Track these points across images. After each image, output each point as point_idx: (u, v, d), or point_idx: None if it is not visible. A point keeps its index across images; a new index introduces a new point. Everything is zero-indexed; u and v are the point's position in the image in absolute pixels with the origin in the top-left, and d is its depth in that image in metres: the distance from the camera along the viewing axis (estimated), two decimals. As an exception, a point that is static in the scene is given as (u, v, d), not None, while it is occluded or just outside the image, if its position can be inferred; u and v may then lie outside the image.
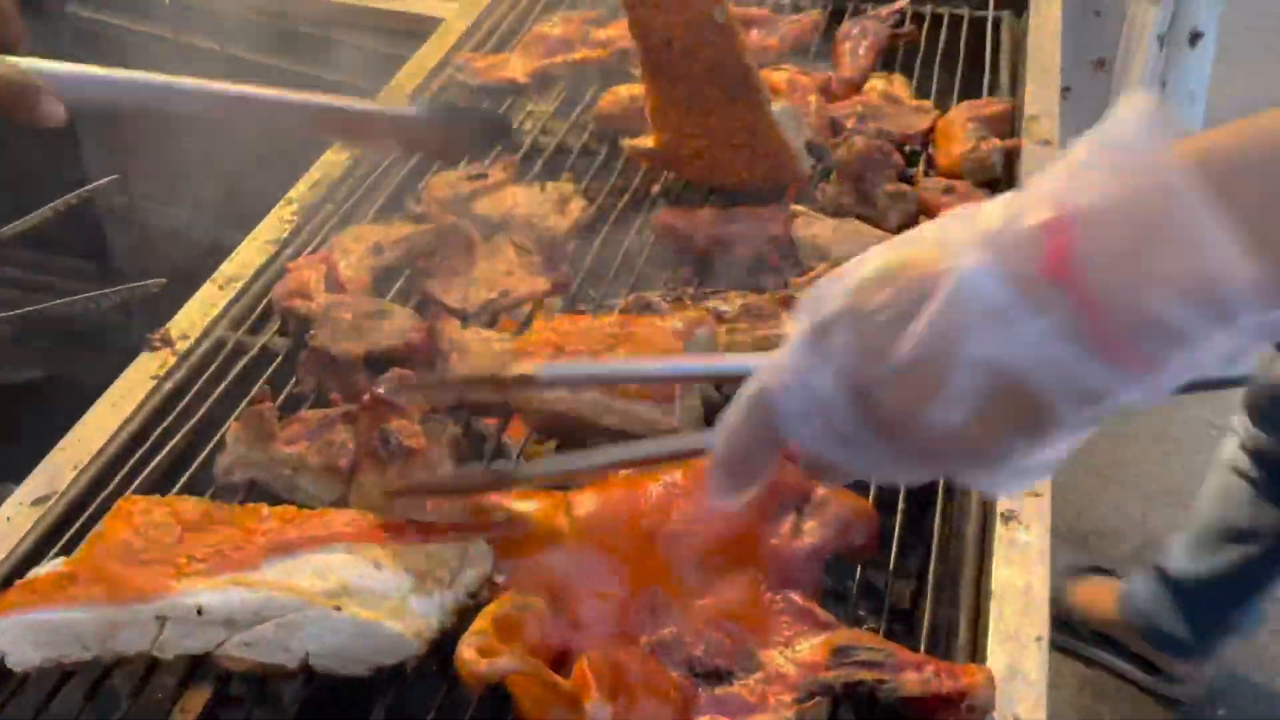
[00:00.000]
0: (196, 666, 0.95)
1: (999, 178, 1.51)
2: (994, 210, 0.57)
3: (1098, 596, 2.36)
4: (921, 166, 1.55)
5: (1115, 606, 2.32)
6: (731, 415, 0.66)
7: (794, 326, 0.62)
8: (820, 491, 1.00)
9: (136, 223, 2.08)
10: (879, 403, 0.58)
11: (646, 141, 1.52)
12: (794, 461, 0.68)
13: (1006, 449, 0.57)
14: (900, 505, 1.06)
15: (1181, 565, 2.19)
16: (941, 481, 1.07)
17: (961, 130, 1.54)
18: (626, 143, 1.55)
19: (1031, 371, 0.54)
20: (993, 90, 1.71)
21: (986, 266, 0.54)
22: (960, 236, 0.57)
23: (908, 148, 1.58)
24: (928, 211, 1.43)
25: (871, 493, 1.05)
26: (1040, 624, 0.95)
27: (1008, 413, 0.56)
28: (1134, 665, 2.35)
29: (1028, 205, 0.55)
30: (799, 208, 1.42)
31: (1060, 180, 0.54)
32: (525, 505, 1.01)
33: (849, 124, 1.59)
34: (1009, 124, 1.60)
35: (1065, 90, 2.61)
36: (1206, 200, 0.51)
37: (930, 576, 1.02)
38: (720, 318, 1.23)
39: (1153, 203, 0.51)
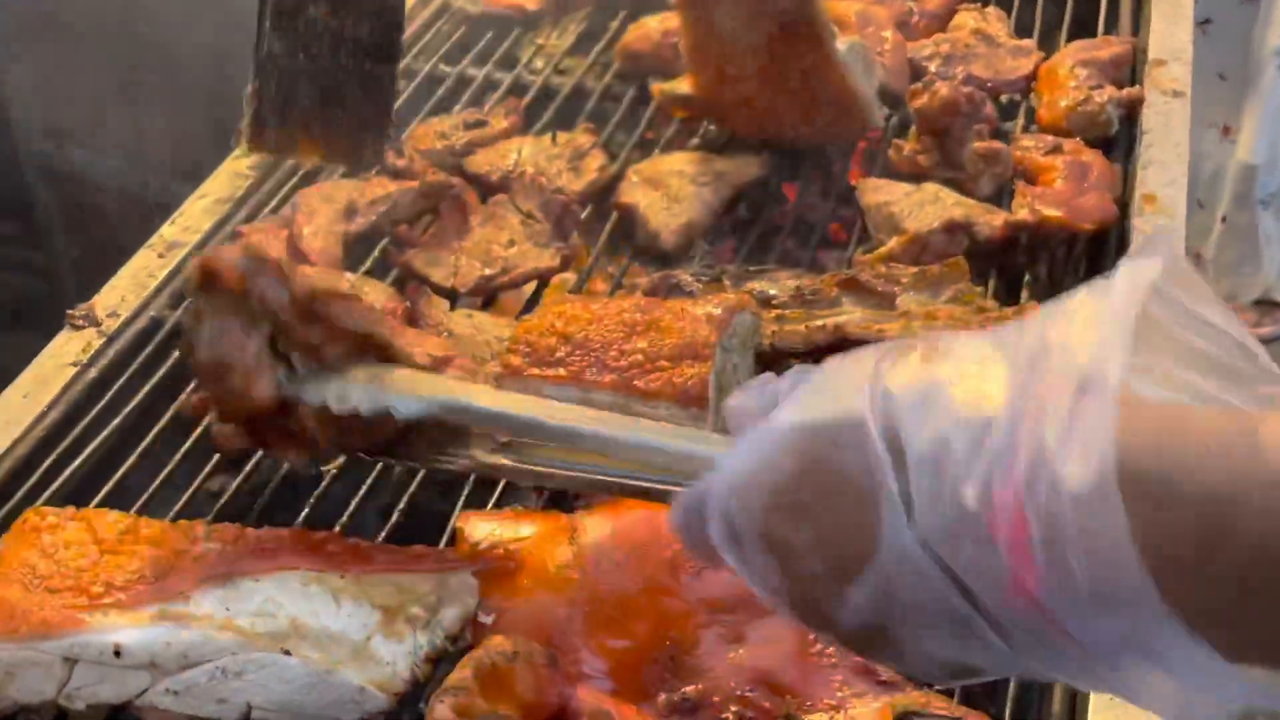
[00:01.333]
0: (113, 719, 0.95)
1: (1115, 136, 1.49)
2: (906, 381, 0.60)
3: None
4: (1020, 120, 1.54)
5: None
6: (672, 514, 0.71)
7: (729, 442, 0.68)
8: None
9: (68, 175, 2.08)
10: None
11: (682, 85, 1.51)
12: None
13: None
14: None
15: None
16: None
17: (1070, 77, 1.53)
18: (657, 86, 1.54)
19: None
20: (1110, 28, 1.68)
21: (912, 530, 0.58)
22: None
23: (1004, 97, 1.57)
24: (1026, 176, 1.42)
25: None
26: (1154, 689, 0.93)
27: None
28: None
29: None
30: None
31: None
32: (520, 529, 1.00)
33: (932, 67, 1.59)
34: (1129, 69, 1.58)
35: (1204, 24, 2.59)
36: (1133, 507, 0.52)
37: (1018, 627, 1.00)
38: (767, 302, 1.22)
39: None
